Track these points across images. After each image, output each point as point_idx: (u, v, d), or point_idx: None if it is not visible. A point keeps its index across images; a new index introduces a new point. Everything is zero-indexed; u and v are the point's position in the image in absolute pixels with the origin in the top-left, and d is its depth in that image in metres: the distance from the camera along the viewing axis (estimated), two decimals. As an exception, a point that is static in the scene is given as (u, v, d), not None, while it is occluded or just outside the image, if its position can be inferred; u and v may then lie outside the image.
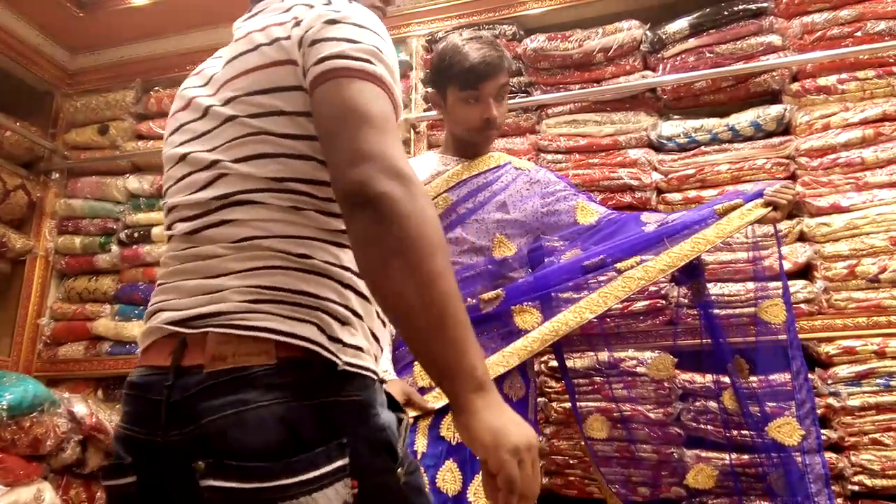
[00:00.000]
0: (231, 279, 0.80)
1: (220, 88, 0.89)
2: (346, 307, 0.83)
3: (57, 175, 2.95)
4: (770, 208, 1.56)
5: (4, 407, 1.97)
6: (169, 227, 0.92)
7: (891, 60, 2.04)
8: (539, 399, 2.03)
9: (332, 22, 0.83)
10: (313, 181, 0.84)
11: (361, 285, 0.85)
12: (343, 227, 0.83)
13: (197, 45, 2.85)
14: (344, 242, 0.85)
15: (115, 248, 2.78)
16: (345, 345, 0.81)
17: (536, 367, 1.96)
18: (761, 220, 1.59)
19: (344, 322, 0.82)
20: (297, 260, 0.81)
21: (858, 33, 2.06)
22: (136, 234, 2.77)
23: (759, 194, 1.58)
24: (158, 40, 2.91)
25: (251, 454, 0.73)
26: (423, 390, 1.52)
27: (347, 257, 0.84)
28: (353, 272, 0.84)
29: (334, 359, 0.78)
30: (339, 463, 0.74)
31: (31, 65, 2.87)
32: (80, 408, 2.21)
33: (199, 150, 0.88)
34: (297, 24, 0.85)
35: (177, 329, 0.80)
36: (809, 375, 1.83)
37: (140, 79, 2.90)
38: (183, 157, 0.90)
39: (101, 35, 2.90)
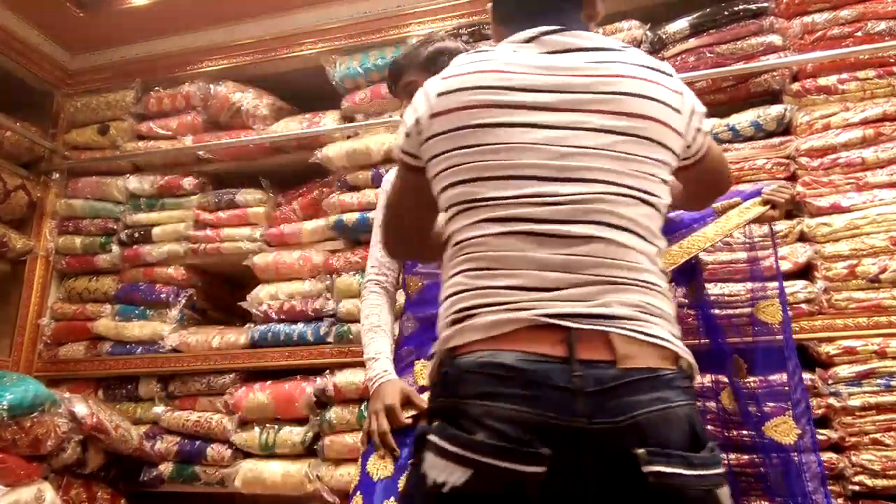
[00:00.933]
0: (611, 290, 0.90)
1: (593, 114, 0.96)
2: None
3: (57, 175, 2.95)
4: (768, 206, 1.57)
5: (5, 407, 1.97)
6: (509, 220, 0.93)
7: (891, 60, 2.04)
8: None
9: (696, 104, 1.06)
10: (656, 228, 0.99)
11: None
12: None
13: (197, 45, 2.85)
14: None
15: (115, 248, 2.78)
16: None
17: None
18: (759, 218, 1.59)
19: None
20: (655, 285, 0.94)
21: (859, 33, 2.06)
22: (136, 235, 2.77)
23: (758, 193, 1.60)
24: (158, 40, 2.91)
25: (674, 446, 0.84)
26: (422, 389, 1.51)
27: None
28: None
29: (692, 372, 0.94)
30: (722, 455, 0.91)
31: (31, 65, 2.87)
32: (81, 408, 2.21)
33: (573, 161, 0.94)
34: (683, 100, 1.02)
35: (558, 323, 0.87)
36: (810, 376, 1.84)
37: (140, 79, 2.90)
38: (553, 150, 0.95)
39: (102, 35, 2.90)
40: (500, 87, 0.97)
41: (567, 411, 0.83)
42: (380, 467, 1.41)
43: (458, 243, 0.98)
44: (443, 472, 0.85)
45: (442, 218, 1.04)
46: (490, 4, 1.15)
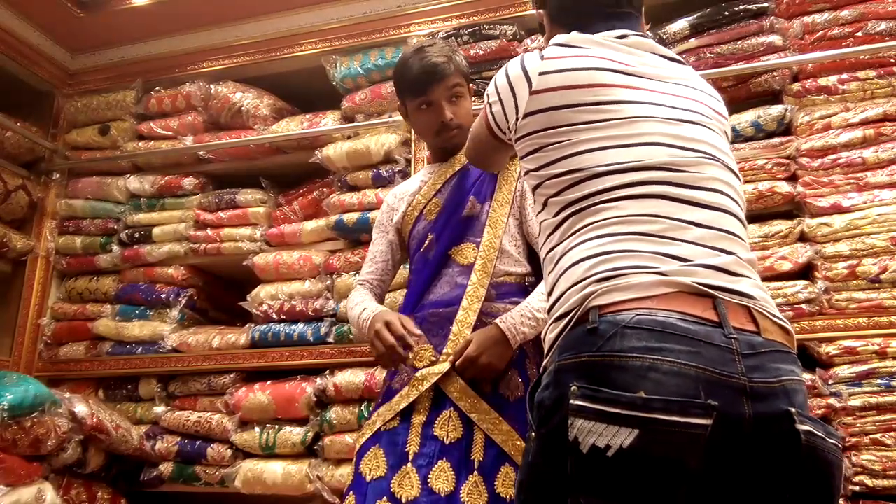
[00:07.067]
0: (744, 270, 0.98)
1: (701, 105, 1.12)
2: None
3: (58, 175, 2.94)
4: None
5: (5, 407, 1.97)
6: (645, 184, 1.00)
7: (892, 60, 2.04)
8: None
9: None
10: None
11: None
12: None
13: (197, 45, 2.85)
14: None
15: (115, 248, 2.78)
16: None
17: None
18: None
19: None
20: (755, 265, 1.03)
21: (859, 33, 2.06)
22: (136, 235, 2.77)
23: None
24: (159, 40, 2.91)
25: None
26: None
27: None
28: None
29: None
30: None
31: (31, 65, 2.87)
32: (81, 408, 2.22)
33: (696, 135, 1.06)
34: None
35: (706, 291, 0.92)
36: (810, 376, 1.83)
37: (141, 79, 2.90)
38: (685, 124, 1.06)
39: (102, 35, 2.90)
40: (608, 70, 1.08)
41: (729, 367, 0.87)
42: (372, 467, 1.41)
43: (586, 208, 1.02)
44: (604, 436, 0.83)
45: (557, 183, 1.07)
46: (552, 4, 1.26)
